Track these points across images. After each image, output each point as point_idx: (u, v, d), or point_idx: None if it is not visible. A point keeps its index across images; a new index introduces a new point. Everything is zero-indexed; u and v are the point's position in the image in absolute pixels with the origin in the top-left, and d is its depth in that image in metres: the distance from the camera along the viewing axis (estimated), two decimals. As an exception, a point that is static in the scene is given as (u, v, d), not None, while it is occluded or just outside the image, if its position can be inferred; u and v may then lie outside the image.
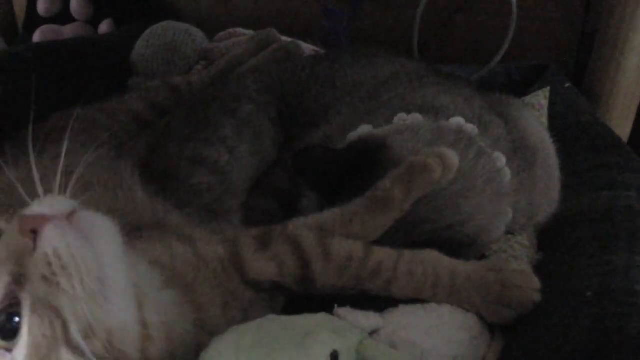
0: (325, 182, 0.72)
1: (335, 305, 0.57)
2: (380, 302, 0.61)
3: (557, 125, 0.99)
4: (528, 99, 1.08)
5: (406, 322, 0.57)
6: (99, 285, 0.43)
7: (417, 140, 0.72)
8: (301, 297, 0.64)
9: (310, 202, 0.75)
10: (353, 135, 0.78)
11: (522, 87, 1.21)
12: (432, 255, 0.63)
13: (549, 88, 1.10)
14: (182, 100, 1.11)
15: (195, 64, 1.33)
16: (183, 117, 0.98)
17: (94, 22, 1.66)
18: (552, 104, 1.06)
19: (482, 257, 0.73)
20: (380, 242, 0.65)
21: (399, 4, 1.48)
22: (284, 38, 1.30)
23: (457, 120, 0.76)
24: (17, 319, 0.41)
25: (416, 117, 0.77)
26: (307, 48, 1.29)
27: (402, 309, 0.60)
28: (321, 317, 0.50)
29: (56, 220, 0.43)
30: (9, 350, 0.41)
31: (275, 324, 0.48)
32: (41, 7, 1.65)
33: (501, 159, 0.74)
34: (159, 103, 1.10)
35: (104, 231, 0.46)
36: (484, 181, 0.71)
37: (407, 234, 0.67)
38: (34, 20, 1.67)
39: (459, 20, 1.46)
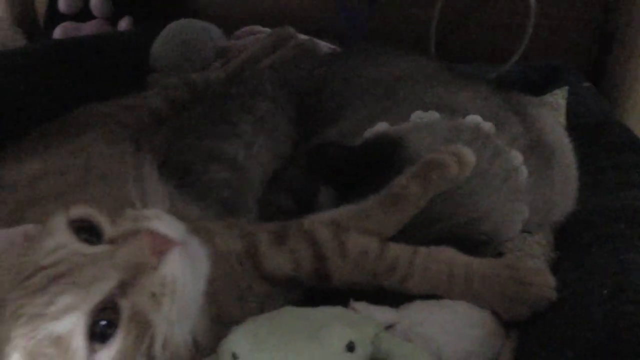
0: (340, 179, 0.72)
1: (351, 299, 0.57)
2: (395, 298, 0.61)
3: (575, 124, 0.98)
4: (546, 98, 1.07)
5: (422, 317, 0.57)
6: (188, 309, 0.47)
7: (434, 137, 0.73)
8: (317, 292, 0.65)
9: (325, 199, 0.75)
10: (369, 133, 0.78)
11: (539, 87, 1.20)
12: (447, 252, 0.63)
13: (567, 87, 1.09)
14: (199, 97, 1.13)
15: (213, 61, 1.34)
16: (201, 113, 0.99)
17: (113, 19, 1.68)
18: (570, 104, 1.06)
19: (498, 255, 0.73)
20: (396, 238, 0.66)
21: (415, 2, 1.48)
22: (301, 36, 1.31)
23: (474, 118, 0.76)
24: (103, 322, 0.43)
25: (433, 115, 0.77)
26: (324, 46, 1.30)
27: (418, 304, 0.60)
28: (337, 309, 0.51)
29: (180, 247, 0.46)
30: (94, 351, 0.42)
31: (292, 314, 0.49)
32: (62, 4, 1.67)
33: (518, 157, 0.74)
34: (177, 99, 1.11)
35: (203, 262, 0.49)
36: (501, 179, 0.71)
37: (422, 231, 0.67)
38: (54, 16, 1.70)
39: (476, 18, 1.46)
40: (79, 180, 0.75)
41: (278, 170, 0.91)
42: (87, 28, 1.66)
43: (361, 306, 0.56)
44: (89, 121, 0.99)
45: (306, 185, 0.83)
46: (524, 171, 0.74)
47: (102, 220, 0.49)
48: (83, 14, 1.68)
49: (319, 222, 0.67)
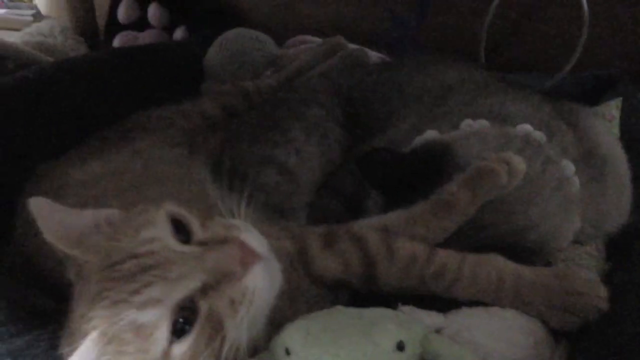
0: (390, 184, 0.73)
1: (399, 303, 0.58)
2: (442, 303, 0.62)
3: (630, 136, 0.96)
4: (599, 108, 1.05)
5: (469, 323, 0.58)
6: (258, 318, 0.50)
7: (484, 146, 0.73)
8: (364, 295, 0.66)
9: (375, 204, 0.77)
10: (419, 140, 0.79)
11: (593, 97, 1.18)
12: (496, 260, 0.64)
13: (620, 98, 1.07)
14: (251, 104, 1.15)
15: (265, 70, 1.37)
16: (253, 119, 1.02)
17: (169, 29, 1.74)
18: (624, 115, 1.04)
19: (548, 264, 0.72)
20: (444, 245, 0.66)
21: (466, 11, 1.48)
22: (351, 45, 1.33)
23: (525, 127, 0.76)
24: (181, 319, 0.46)
25: (483, 124, 0.78)
26: (374, 55, 1.31)
27: (465, 310, 0.60)
28: (387, 310, 0.52)
29: (264, 262, 0.49)
30: (171, 344, 0.45)
31: (343, 313, 0.50)
32: (121, 14, 1.74)
33: (569, 167, 0.73)
34: (229, 106, 1.14)
35: (278, 278, 0.52)
36: (551, 188, 0.71)
37: (471, 238, 0.67)
38: (114, 26, 1.76)
39: (528, 27, 1.44)
40: (136, 181, 0.78)
41: (328, 175, 0.93)
42: (145, 37, 1.72)
43: (409, 309, 0.57)
44: (147, 125, 1.03)
45: (356, 190, 0.84)
46: (576, 181, 0.73)
47: (193, 222, 0.52)
48: (141, 24, 1.74)
49: (368, 226, 0.68)
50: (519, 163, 0.67)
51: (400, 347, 0.44)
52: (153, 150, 0.90)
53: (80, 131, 1.01)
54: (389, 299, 0.59)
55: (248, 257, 0.48)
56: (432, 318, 0.57)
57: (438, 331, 0.57)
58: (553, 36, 1.41)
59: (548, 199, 0.70)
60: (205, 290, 0.47)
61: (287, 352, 0.46)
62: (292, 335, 0.47)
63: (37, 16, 1.93)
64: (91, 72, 1.19)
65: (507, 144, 0.73)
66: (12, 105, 0.97)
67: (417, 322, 0.51)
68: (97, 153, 0.90)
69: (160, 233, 0.50)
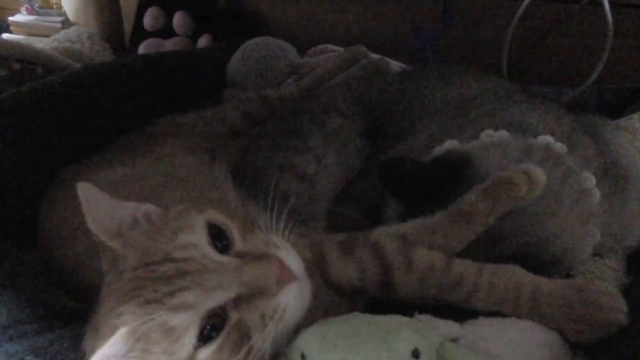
0: (409, 193, 0.73)
1: (416, 312, 0.58)
2: (459, 313, 0.62)
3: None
4: (621, 121, 1.05)
5: (486, 333, 0.57)
6: (285, 333, 0.51)
7: (504, 156, 0.73)
8: (380, 303, 0.66)
9: (393, 212, 0.77)
10: (439, 150, 0.79)
11: (615, 110, 1.17)
12: (514, 270, 0.63)
13: (644, 111, 1.06)
14: (273, 112, 1.16)
15: (287, 78, 1.38)
16: (274, 127, 1.03)
17: (193, 36, 1.77)
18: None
19: (567, 276, 0.72)
20: (462, 255, 0.66)
21: (489, 23, 1.48)
22: (373, 55, 1.34)
23: (546, 139, 0.76)
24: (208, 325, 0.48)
25: (503, 134, 0.77)
26: (395, 65, 1.32)
27: (482, 320, 0.60)
28: (404, 318, 0.52)
29: (298, 282, 0.51)
30: (197, 348, 0.47)
31: (359, 319, 0.50)
32: (147, 22, 1.77)
33: (590, 180, 0.73)
34: (251, 113, 1.16)
35: (309, 298, 0.53)
36: (572, 200, 0.70)
37: (490, 249, 0.67)
38: (139, 33, 1.80)
39: (551, 40, 1.44)
40: (159, 186, 0.79)
41: (348, 183, 0.93)
42: (169, 44, 1.75)
43: (425, 318, 0.57)
44: (170, 131, 1.05)
45: (375, 198, 0.84)
46: (597, 194, 0.72)
47: (234, 233, 0.53)
48: (166, 32, 1.78)
49: (387, 234, 0.68)
50: (540, 174, 0.66)
51: (416, 354, 0.44)
52: (175, 156, 0.92)
53: (104, 135, 1.03)
54: (406, 308, 0.59)
55: (284, 275, 0.49)
56: (448, 327, 0.57)
57: (454, 340, 0.57)
58: (576, 49, 1.41)
59: (568, 211, 0.70)
60: (237, 301, 0.48)
61: (303, 357, 0.46)
62: (308, 341, 0.47)
63: (66, 23, 1.97)
64: (116, 78, 1.21)
65: (527, 155, 0.72)
66: (41, 109, 0.99)
67: (433, 330, 0.51)
68: (121, 158, 0.92)
69: (198, 239, 0.51)
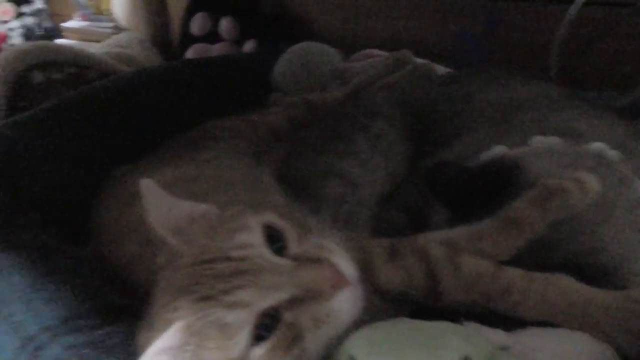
0: (456, 199, 0.73)
1: (462, 319, 0.57)
2: (507, 322, 0.61)
3: None
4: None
5: (536, 344, 0.56)
6: (335, 337, 0.51)
7: (555, 163, 0.71)
8: (425, 309, 0.65)
9: (439, 218, 0.76)
10: (486, 155, 0.78)
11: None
12: (566, 280, 0.62)
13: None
14: (317, 116, 1.17)
15: (331, 82, 1.39)
16: (318, 131, 1.03)
17: (239, 41, 1.79)
18: None
19: (621, 288, 0.69)
20: (511, 263, 0.65)
21: (536, 27, 1.45)
22: (418, 59, 1.33)
23: (598, 145, 0.74)
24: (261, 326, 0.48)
25: (554, 140, 0.76)
26: (441, 69, 1.31)
27: (532, 330, 0.59)
28: (452, 324, 0.52)
29: (352, 288, 0.51)
30: (250, 347, 0.47)
31: (408, 325, 0.50)
32: (194, 27, 1.80)
33: (645, 188, 0.71)
34: (295, 117, 1.16)
35: (361, 303, 0.53)
36: (625, 209, 0.68)
37: (539, 257, 0.66)
38: (187, 39, 1.83)
39: (602, 44, 1.40)
40: (207, 188, 0.81)
41: (393, 187, 0.93)
42: (216, 49, 1.78)
43: (472, 326, 0.56)
44: (216, 134, 1.06)
45: (421, 203, 0.84)
46: (652, 203, 0.70)
47: (291, 236, 0.54)
48: (213, 37, 1.80)
49: (433, 240, 0.68)
50: (593, 182, 0.65)
51: (466, 362, 0.44)
52: (222, 159, 0.93)
53: (154, 138, 1.06)
54: (451, 314, 0.59)
55: (339, 280, 0.50)
56: (496, 336, 0.56)
57: (503, 349, 0.56)
58: (628, 53, 1.37)
59: (621, 220, 0.68)
60: (291, 303, 0.49)
61: (351, 360, 0.46)
62: (357, 344, 0.47)
63: (116, 28, 2.03)
64: (166, 82, 1.24)
65: (579, 162, 0.71)
66: (94, 111, 1.03)
67: (483, 338, 0.50)
68: (170, 160, 0.94)
69: (254, 240, 0.52)
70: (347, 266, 0.53)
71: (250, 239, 0.52)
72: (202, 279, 0.49)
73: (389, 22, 1.64)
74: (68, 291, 0.60)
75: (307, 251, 0.53)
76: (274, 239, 0.54)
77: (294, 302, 0.49)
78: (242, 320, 0.47)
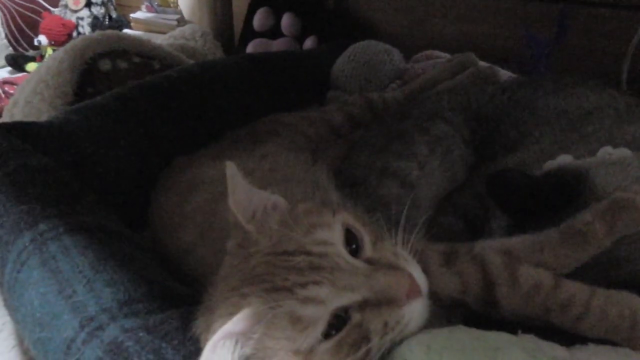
0: (518, 207, 0.71)
1: (519, 331, 0.56)
2: (567, 337, 0.59)
3: None
4: None
5: (596, 362, 0.54)
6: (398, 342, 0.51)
7: (624, 176, 0.68)
8: (479, 319, 0.64)
9: (498, 226, 0.74)
10: (551, 164, 0.75)
11: None
12: (630, 298, 0.59)
13: None
14: (376, 115, 1.17)
15: (391, 82, 1.38)
16: (377, 131, 1.02)
17: (300, 38, 1.80)
18: None
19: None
20: (572, 277, 0.63)
21: (608, 35, 1.40)
22: (481, 63, 1.30)
23: (671, 159, 0.71)
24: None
25: (624, 152, 0.73)
26: (505, 74, 1.28)
27: (592, 348, 0.56)
28: (511, 336, 0.50)
29: (423, 299, 0.53)
30: (319, 341, 0.48)
31: (466, 333, 0.49)
32: (256, 22, 1.83)
33: None
34: (354, 116, 1.16)
35: (427, 316, 0.54)
36: (697, 228, 0.65)
37: (603, 273, 0.63)
38: (249, 34, 1.86)
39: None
40: (265, 181, 0.81)
41: (451, 192, 0.92)
42: (277, 45, 1.80)
43: (530, 338, 0.55)
44: (275, 129, 1.07)
45: (478, 210, 0.82)
46: None
47: (366, 239, 0.55)
48: (274, 32, 1.83)
49: (491, 248, 0.66)
50: (664, 198, 0.62)
51: (525, 375, 0.43)
52: (280, 154, 0.94)
53: (214, 130, 1.08)
54: (507, 326, 0.57)
55: (413, 290, 0.51)
56: (554, 350, 0.54)
57: (561, 365, 0.54)
58: None
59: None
60: (363, 304, 0.49)
61: (406, 365, 0.46)
62: (413, 349, 0.47)
63: (181, 21, 2.07)
64: (227, 76, 1.26)
65: (650, 176, 0.68)
66: (158, 101, 1.05)
67: (542, 352, 0.49)
68: (229, 152, 0.95)
69: (334, 239, 0.53)
70: (420, 277, 0.54)
71: (331, 237, 0.53)
72: (277, 270, 0.50)
73: (455, 23, 1.62)
74: (127, 275, 0.62)
75: (383, 257, 0.54)
76: (350, 241, 0.54)
77: (366, 304, 0.49)
78: (317, 316, 0.48)
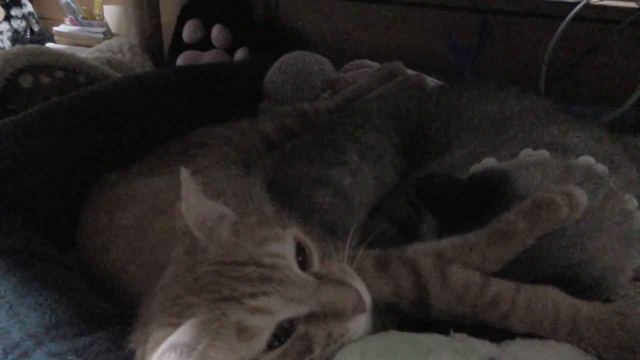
0: (446, 210, 0.73)
1: (451, 330, 0.58)
2: (496, 334, 0.61)
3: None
4: (664, 144, 1.02)
5: (523, 355, 0.56)
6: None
7: (544, 176, 0.71)
8: (413, 321, 0.65)
9: (429, 229, 0.76)
10: (477, 168, 0.78)
11: (657, 132, 1.15)
12: (552, 292, 0.62)
13: (686, 133, 1.04)
14: (308, 125, 1.17)
15: (322, 92, 1.39)
16: (309, 140, 1.03)
17: (230, 49, 1.79)
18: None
19: (606, 300, 0.70)
20: (499, 275, 0.65)
21: (526, 42, 1.47)
22: (409, 71, 1.34)
23: (587, 159, 0.74)
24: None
25: (543, 153, 0.76)
26: (432, 82, 1.32)
27: (519, 342, 0.59)
28: (442, 337, 0.52)
29: (367, 314, 0.54)
30: (263, 351, 0.49)
31: (399, 337, 0.50)
32: (186, 34, 1.81)
33: (633, 202, 0.71)
34: (287, 126, 1.17)
35: (369, 329, 0.55)
36: (613, 223, 0.69)
37: (527, 269, 0.66)
38: (178, 46, 1.84)
39: (590, 59, 1.42)
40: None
41: (383, 198, 0.93)
42: (207, 57, 1.78)
43: (461, 337, 0.56)
44: (206, 142, 1.06)
45: (410, 214, 0.84)
46: (639, 216, 0.71)
47: (314, 254, 0.57)
48: (204, 44, 1.81)
49: (422, 251, 0.68)
50: (581, 196, 0.65)
51: (456, 374, 0.44)
52: (213, 168, 0.93)
53: (143, 145, 1.05)
54: (440, 326, 0.59)
55: (359, 305, 0.52)
56: (485, 347, 0.56)
57: (491, 360, 0.56)
58: (616, 69, 1.39)
59: (609, 234, 0.68)
60: (309, 317, 0.51)
61: (341, 374, 0.46)
62: (347, 358, 0.47)
63: (108, 34, 2.02)
64: (156, 89, 1.24)
65: (568, 175, 0.71)
66: (84, 116, 1.02)
67: (472, 351, 0.51)
68: (160, 168, 0.94)
69: (286, 252, 0.54)
70: (366, 293, 0.55)
71: (283, 249, 0.54)
72: (225, 280, 0.50)
73: (381, 33, 1.65)
74: (53, 298, 0.60)
75: (331, 272, 0.56)
76: (298, 254, 0.56)
77: (311, 317, 0.50)
78: (263, 327, 0.48)
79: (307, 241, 0.57)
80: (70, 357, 0.53)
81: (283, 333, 0.50)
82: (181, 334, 0.47)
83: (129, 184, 0.88)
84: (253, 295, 0.49)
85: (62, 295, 0.60)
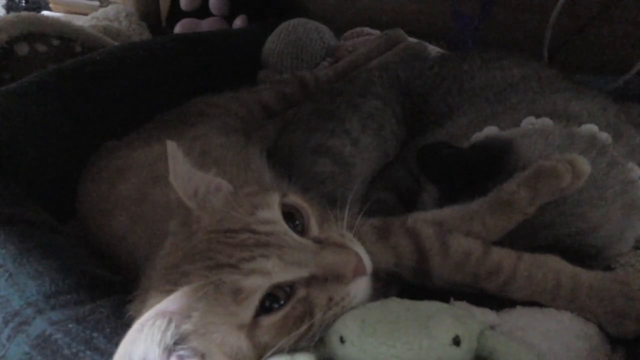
0: (447, 179, 0.72)
1: (452, 299, 0.58)
2: (496, 302, 0.61)
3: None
4: (667, 112, 1.01)
5: (523, 323, 0.56)
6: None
7: (546, 144, 0.71)
8: (415, 289, 0.65)
9: (430, 198, 0.76)
10: (478, 136, 0.77)
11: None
12: (553, 261, 0.62)
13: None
14: (309, 94, 1.16)
15: (322, 60, 1.37)
16: (310, 109, 1.02)
17: (229, 17, 1.76)
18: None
19: (607, 269, 0.70)
20: (501, 243, 0.65)
21: (530, 9, 1.44)
22: (411, 39, 1.32)
23: (590, 127, 0.74)
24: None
25: (546, 122, 0.76)
26: (433, 50, 1.30)
27: (520, 310, 0.59)
28: (443, 304, 0.52)
29: (367, 277, 0.54)
30: (258, 315, 0.49)
31: (399, 305, 0.50)
32: (183, 2, 1.78)
33: (635, 171, 0.71)
34: (287, 95, 1.15)
35: (369, 293, 0.55)
36: (615, 191, 0.69)
37: (529, 238, 0.66)
38: (176, 14, 1.80)
39: (595, 27, 1.39)
40: (196, 165, 0.80)
41: (384, 167, 0.92)
42: (205, 25, 1.75)
43: (461, 305, 0.56)
44: (205, 111, 1.05)
45: (411, 183, 0.83)
46: (642, 185, 0.71)
47: (312, 219, 0.57)
48: (202, 12, 1.78)
49: (423, 220, 0.68)
50: (583, 164, 0.64)
51: (457, 341, 0.44)
52: (211, 136, 0.92)
53: (142, 113, 1.04)
54: (441, 295, 0.59)
55: (359, 268, 0.52)
56: (485, 315, 0.56)
57: (491, 328, 0.56)
58: (621, 37, 1.36)
59: (611, 202, 0.68)
60: (309, 280, 0.51)
61: (342, 341, 0.46)
62: (348, 324, 0.47)
63: (104, 2, 1.99)
64: (154, 57, 1.22)
65: (571, 144, 0.71)
66: (81, 85, 1.01)
67: (473, 318, 0.51)
68: (158, 136, 0.93)
69: (276, 218, 0.54)
70: (366, 257, 0.55)
71: (272, 216, 0.54)
72: (220, 247, 0.50)
73: (383, 1, 1.62)
74: (53, 266, 0.60)
75: (330, 237, 0.56)
76: (294, 220, 0.56)
77: (312, 280, 0.51)
78: (257, 286, 0.48)
79: (305, 206, 0.57)
80: (70, 325, 0.53)
81: (284, 296, 0.50)
82: (171, 302, 0.47)
83: (127, 153, 0.88)
84: (250, 259, 0.49)
85: (61, 264, 0.60)
